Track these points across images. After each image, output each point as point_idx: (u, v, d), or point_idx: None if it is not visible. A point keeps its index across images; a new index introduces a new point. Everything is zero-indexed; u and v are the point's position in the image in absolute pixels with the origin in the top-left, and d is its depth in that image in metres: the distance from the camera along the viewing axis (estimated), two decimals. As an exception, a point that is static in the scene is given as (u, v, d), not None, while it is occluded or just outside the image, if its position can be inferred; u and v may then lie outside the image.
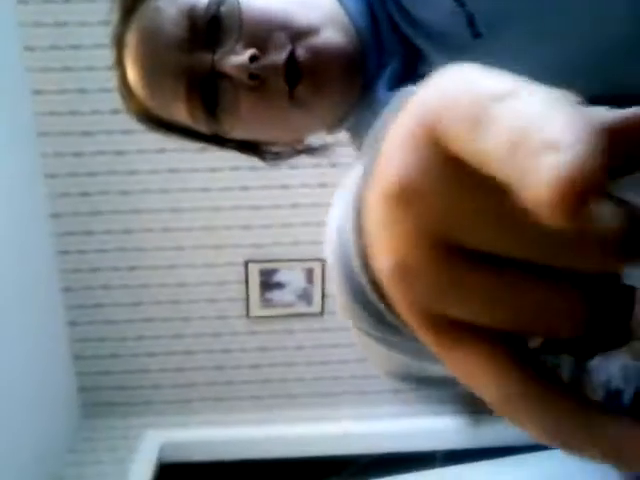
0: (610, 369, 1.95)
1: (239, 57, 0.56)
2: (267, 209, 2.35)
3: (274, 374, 2.58)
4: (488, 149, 0.18)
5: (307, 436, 2.50)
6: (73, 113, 2.16)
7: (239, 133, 0.64)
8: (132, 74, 0.63)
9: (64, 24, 2.05)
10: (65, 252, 2.34)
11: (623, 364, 1.94)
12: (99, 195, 2.28)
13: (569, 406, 0.20)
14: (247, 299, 2.45)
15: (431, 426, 2.55)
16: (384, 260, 0.22)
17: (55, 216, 2.30)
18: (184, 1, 0.59)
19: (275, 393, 2.60)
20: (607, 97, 0.50)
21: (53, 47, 2.09)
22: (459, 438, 2.53)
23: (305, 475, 2.41)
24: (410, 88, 0.35)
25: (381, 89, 0.60)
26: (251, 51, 0.56)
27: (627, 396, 1.82)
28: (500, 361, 0.21)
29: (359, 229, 0.28)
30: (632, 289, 0.23)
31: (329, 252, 0.35)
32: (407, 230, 0.21)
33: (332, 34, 0.58)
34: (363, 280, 0.30)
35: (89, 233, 2.33)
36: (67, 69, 2.11)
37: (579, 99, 0.20)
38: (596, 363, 2.09)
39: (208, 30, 0.58)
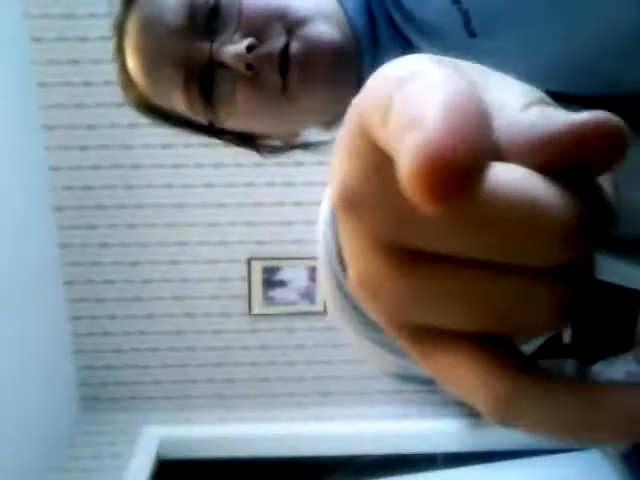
0: (614, 375, 1.94)
1: (236, 46, 0.56)
2: (271, 206, 2.35)
3: (275, 372, 2.57)
4: (389, 136, 0.16)
5: (307, 435, 2.50)
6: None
7: (235, 123, 0.64)
8: (131, 62, 0.63)
9: (71, 16, 2.06)
10: (67, 245, 2.34)
11: (627, 370, 1.92)
12: (103, 189, 2.28)
13: (570, 391, 0.19)
14: (249, 296, 2.44)
15: (432, 428, 2.54)
16: (350, 271, 0.21)
17: (58, 209, 2.30)
18: None
19: (275, 392, 2.60)
20: (606, 97, 0.50)
21: (59, 39, 2.10)
22: (460, 440, 2.51)
23: (304, 474, 2.40)
24: None
25: None
26: (248, 40, 0.56)
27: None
28: (487, 361, 0.19)
29: (336, 231, 0.27)
30: (637, 295, 0.21)
31: (318, 252, 0.33)
32: (360, 239, 0.20)
33: (325, 27, 0.58)
34: (345, 283, 0.29)
35: (92, 227, 2.33)
36: (73, 62, 2.12)
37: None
38: (599, 369, 2.08)
39: (207, 19, 0.58)
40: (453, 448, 2.49)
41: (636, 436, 0.18)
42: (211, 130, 0.65)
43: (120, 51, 0.64)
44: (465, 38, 0.53)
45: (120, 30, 0.64)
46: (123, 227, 2.34)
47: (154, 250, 2.37)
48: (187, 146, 2.11)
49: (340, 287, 0.31)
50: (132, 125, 2.10)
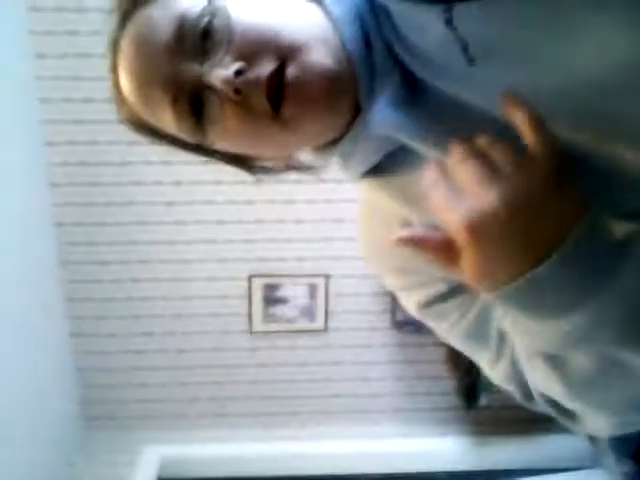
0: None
1: (225, 70, 0.56)
2: (271, 223, 2.35)
3: (275, 390, 2.56)
4: None
5: (307, 455, 2.48)
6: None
7: (225, 146, 0.63)
8: (123, 80, 0.63)
9: (75, 32, 2.08)
10: (68, 262, 2.34)
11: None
12: (104, 206, 2.29)
13: None
14: (250, 314, 2.44)
15: (433, 447, 2.52)
16: None
17: (59, 225, 2.30)
18: (176, 10, 0.59)
19: (276, 410, 2.58)
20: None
21: (62, 55, 2.11)
22: (463, 459, 2.50)
23: (305, 494, 2.38)
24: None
25: (377, 112, 0.60)
26: (237, 65, 0.56)
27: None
28: None
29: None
30: None
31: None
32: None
33: (320, 54, 0.57)
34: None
35: (92, 244, 2.33)
36: (76, 78, 2.14)
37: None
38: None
39: (198, 41, 0.58)
40: (456, 467, 2.47)
41: None
42: (201, 150, 0.65)
43: (114, 68, 0.65)
44: (463, 65, 0.53)
45: (114, 47, 0.64)
46: (124, 244, 2.34)
47: (155, 268, 2.37)
48: (187, 163, 2.11)
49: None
50: (132, 142, 2.10)
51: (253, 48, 0.57)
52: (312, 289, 2.41)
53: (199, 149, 0.65)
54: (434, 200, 0.51)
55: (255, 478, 2.41)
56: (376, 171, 0.67)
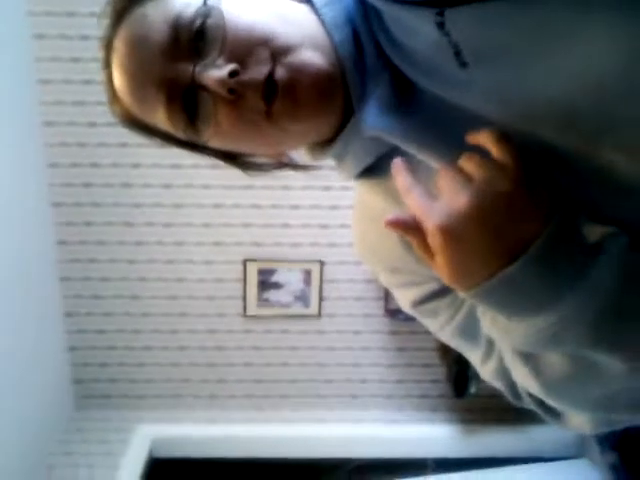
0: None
1: (219, 71, 0.56)
2: (268, 209, 2.35)
3: (268, 374, 2.58)
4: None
5: (298, 437, 2.50)
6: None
7: (218, 144, 0.64)
8: (117, 79, 0.63)
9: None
10: (64, 242, 2.35)
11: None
12: (101, 187, 2.29)
13: None
14: (244, 298, 2.45)
15: (423, 433, 2.55)
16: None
17: (57, 205, 2.31)
18: (170, 10, 0.59)
19: (268, 393, 2.60)
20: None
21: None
22: (451, 447, 2.52)
23: (295, 476, 2.41)
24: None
25: (368, 114, 0.60)
26: (231, 66, 0.56)
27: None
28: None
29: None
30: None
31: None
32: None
33: (311, 54, 0.58)
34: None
35: (89, 224, 2.34)
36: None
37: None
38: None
39: (192, 41, 0.58)
40: (444, 454, 2.50)
41: None
42: (195, 147, 0.65)
43: (107, 66, 0.65)
44: (456, 68, 0.53)
45: (108, 46, 0.64)
46: (120, 225, 2.35)
47: (151, 249, 2.38)
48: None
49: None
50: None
51: (247, 49, 0.57)
52: (307, 275, 2.42)
53: (192, 146, 0.65)
54: (409, 204, 0.53)
55: (246, 459, 2.43)
56: (370, 172, 0.68)
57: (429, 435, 2.54)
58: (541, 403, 0.66)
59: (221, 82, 0.56)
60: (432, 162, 0.58)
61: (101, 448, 2.37)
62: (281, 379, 2.59)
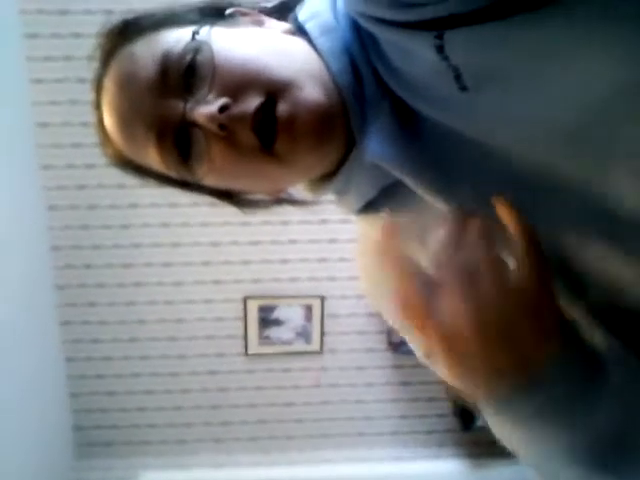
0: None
1: (209, 107, 0.55)
2: (266, 245, 2.35)
3: (272, 414, 2.54)
4: None
5: (305, 478, 2.45)
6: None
7: (213, 182, 0.62)
8: (107, 119, 0.62)
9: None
10: (63, 287, 2.34)
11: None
12: (100, 229, 2.30)
13: None
14: (245, 336, 2.43)
15: (430, 469, 2.51)
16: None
17: (55, 249, 2.31)
18: (159, 47, 0.58)
19: (273, 434, 2.56)
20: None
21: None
22: (460, 482, 2.48)
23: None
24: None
25: (370, 145, 0.59)
26: (222, 101, 0.55)
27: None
28: None
29: None
30: None
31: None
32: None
33: (311, 89, 0.56)
34: None
35: (88, 267, 2.33)
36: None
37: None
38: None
39: (181, 78, 0.57)
40: (453, 490, 2.45)
41: None
42: (190, 186, 0.64)
43: (98, 107, 0.63)
44: (456, 93, 0.52)
45: (98, 86, 0.63)
46: (119, 267, 2.34)
47: (150, 290, 2.37)
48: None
49: None
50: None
51: (238, 84, 0.56)
52: (307, 310, 2.41)
53: (187, 185, 0.64)
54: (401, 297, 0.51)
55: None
56: (372, 206, 0.66)
57: (437, 471, 2.50)
58: None
59: (211, 118, 0.55)
60: (432, 200, 0.58)
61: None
62: (286, 419, 2.55)
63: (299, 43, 0.61)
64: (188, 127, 0.57)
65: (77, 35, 2.07)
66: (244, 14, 0.65)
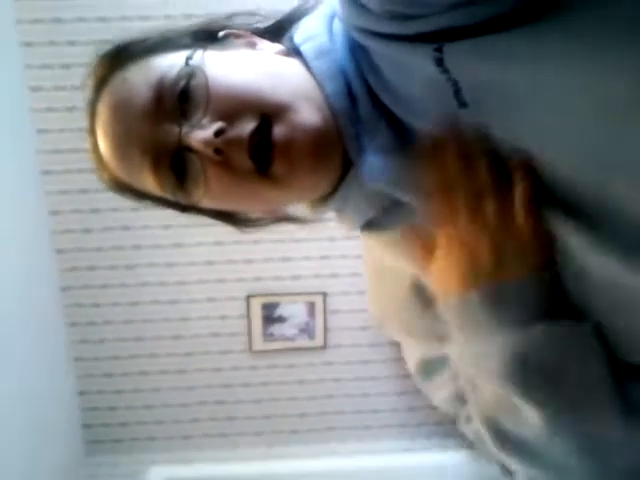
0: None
1: (205, 132, 0.55)
2: (268, 243, 2.36)
3: (277, 409, 2.57)
4: None
5: (311, 472, 2.48)
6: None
7: (209, 204, 0.62)
8: (102, 144, 0.62)
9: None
10: (69, 288, 2.36)
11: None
12: (102, 232, 2.31)
13: None
14: (249, 333, 2.45)
15: (436, 461, 2.52)
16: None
17: (59, 251, 2.33)
18: (153, 73, 0.59)
19: (278, 428, 2.58)
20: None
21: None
22: (464, 473, 2.49)
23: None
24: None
25: (367, 167, 0.59)
26: (217, 125, 0.55)
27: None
28: None
29: None
30: None
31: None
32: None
33: (306, 112, 0.56)
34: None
35: (92, 268, 2.35)
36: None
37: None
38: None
39: (176, 103, 0.57)
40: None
41: None
42: (187, 208, 0.64)
43: (92, 133, 0.64)
44: (454, 109, 0.51)
45: (92, 112, 0.63)
46: (123, 268, 2.36)
47: (154, 290, 2.39)
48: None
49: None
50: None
51: (233, 108, 0.56)
52: (310, 307, 2.42)
53: (185, 208, 0.64)
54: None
55: (259, 497, 2.41)
56: (374, 224, 0.66)
57: (442, 462, 2.51)
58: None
59: (207, 142, 0.55)
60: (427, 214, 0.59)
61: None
62: (290, 414, 2.58)
63: (293, 64, 0.61)
64: (183, 152, 0.57)
65: (72, 43, 2.08)
66: (237, 36, 0.65)
